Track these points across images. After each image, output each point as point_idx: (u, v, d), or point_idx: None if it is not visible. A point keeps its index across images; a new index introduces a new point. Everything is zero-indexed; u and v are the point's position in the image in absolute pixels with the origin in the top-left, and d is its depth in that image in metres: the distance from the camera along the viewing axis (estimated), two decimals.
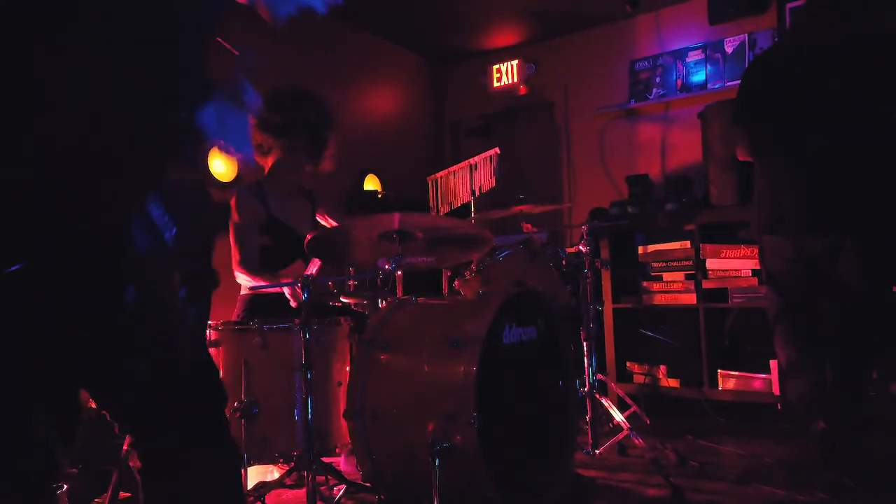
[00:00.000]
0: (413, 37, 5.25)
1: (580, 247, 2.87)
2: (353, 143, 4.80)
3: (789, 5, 4.00)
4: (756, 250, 3.45)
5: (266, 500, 2.25)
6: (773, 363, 3.30)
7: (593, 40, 4.98)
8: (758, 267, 3.45)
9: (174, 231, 1.06)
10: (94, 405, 3.12)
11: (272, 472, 2.52)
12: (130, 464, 2.35)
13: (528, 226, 3.10)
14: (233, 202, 2.81)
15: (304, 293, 2.14)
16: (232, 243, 2.80)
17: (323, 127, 2.91)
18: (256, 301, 2.75)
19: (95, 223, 0.98)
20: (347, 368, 2.36)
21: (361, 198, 4.66)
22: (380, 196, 4.74)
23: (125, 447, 2.31)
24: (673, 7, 4.61)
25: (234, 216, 2.79)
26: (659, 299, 3.76)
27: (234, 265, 2.77)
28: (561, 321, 2.28)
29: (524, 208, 3.03)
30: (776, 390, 3.29)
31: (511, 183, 5.01)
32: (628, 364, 3.90)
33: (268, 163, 2.93)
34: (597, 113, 4.90)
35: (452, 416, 1.82)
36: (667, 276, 3.74)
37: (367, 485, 2.16)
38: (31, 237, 0.94)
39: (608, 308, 3.84)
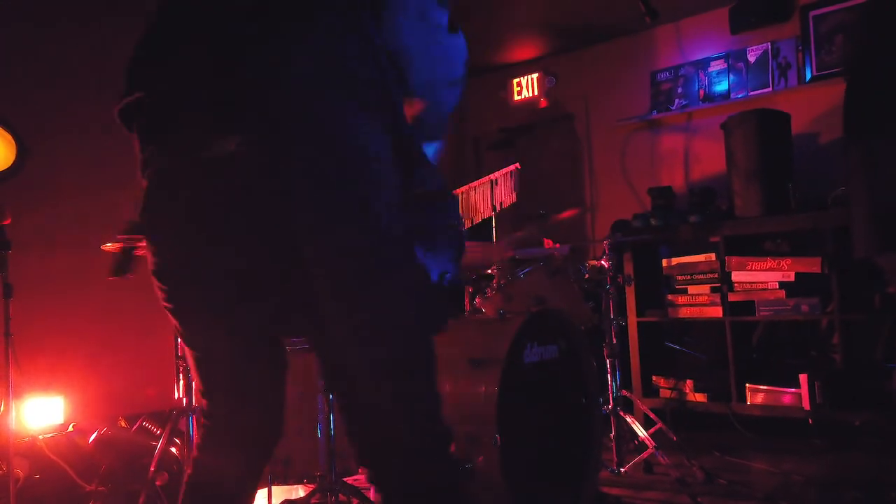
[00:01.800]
0: None
1: (602, 262, 2.86)
2: None
3: (812, 13, 3.96)
4: (784, 262, 3.40)
5: None
6: (802, 377, 3.24)
7: (613, 52, 4.96)
8: (785, 279, 3.40)
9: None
10: (124, 423, 3.14)
11: (297, 490, 2.53)
12: (157, 483, 2.39)
13: (549, 241, 3.09)
14: None
15: None
16: None
17: None
18: None
19: None
20: None
21: None
22: None
23: (153, 467, 2.35)
24: (694, 17, 4.58)
25: None
26: (684, 312, 3.71)
27: None
28: (582, 339, 2.27)
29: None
30: (806, 405, 3.22)
31: (533, 196, 5.00)
32: (654, 378, 3.85)
33: None
34: (618, 124, 4.87)
35: (474, 437, 1.82)
36: (692, 288, 3.70)
37: None
38: None
39: (633, 322, 3.80)
